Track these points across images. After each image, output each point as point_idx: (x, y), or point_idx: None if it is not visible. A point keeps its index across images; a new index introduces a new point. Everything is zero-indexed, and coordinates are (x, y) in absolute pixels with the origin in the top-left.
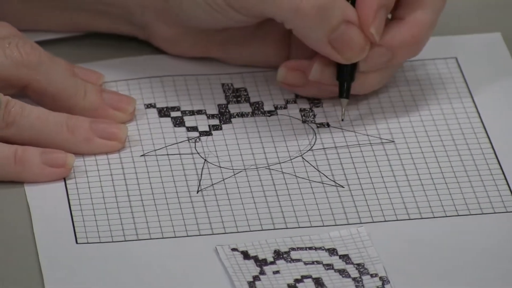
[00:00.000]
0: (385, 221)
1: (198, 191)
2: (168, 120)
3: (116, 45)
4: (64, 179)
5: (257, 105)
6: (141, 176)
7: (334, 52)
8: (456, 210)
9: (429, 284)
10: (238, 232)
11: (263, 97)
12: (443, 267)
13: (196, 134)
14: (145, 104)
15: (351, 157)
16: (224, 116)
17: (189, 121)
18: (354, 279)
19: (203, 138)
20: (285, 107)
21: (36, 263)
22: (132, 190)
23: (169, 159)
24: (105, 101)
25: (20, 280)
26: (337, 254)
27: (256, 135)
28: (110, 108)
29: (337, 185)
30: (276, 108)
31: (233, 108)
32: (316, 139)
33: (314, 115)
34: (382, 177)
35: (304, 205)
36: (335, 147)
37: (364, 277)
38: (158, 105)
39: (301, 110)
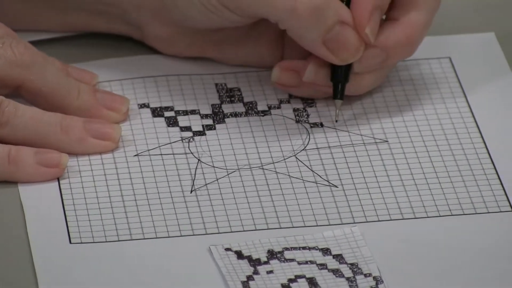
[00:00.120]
0: (379, 220)
1: (191, 191)
2: (161, 120)
3: (110, 45)
4: (58, 179)
5: (250, 105)
6: (134, 176)
7: (329, 53)
8: (450, 210)
9: (422, 284)
10: (231, 232)
11: (257, 97)
12: (437, 266)
13: (189, 134)
14: (138, 104)
15: (345, 157)
16: (217, 116)
17: (183, 121)
18: (347, 278)
19: (196, 138)
20: (279, 107)
21: (30, 263)
22: (125, 190)
23: (162, 159)
24: (98, 101)
25: (14, 280)
26: (330, 254)
27: (250, 135)
28: (104, 108)
29: (331, 185)
30: (269, 108)
31: (227, 108)
32: (309, 139)
33: (308, 115)
34: (376, 177)
35: (298, 205)
36: (329, 147)
37: (357, 277)
38: (151, 105)
39: (294, 110)
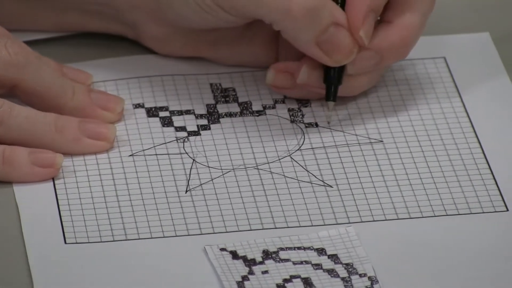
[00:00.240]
0: (374, 220)
1: (186, 191)
2: (156, 120)
3: (105, 45)
4: (53, 179)
5: (245, 105)
6: (129, 176)
7: (323, 54)
8: (445, 210)
9: (418, 284)
10: (226, 232)
11: (252, 97)
12: (432, 266)
13: (184, 134)
14: (133, 104)
15: (340, 157)
16: (212, 116)
17: (178, 121)
18: (343, 279)
19: (191, 138)
20: (274, 107)
21: (25, 263)
22: (120, 190)
23: (157, 159)
24: (93, 101)
25: (9, 280)
26: (325, 254)
27: (245, 135)
28: (99, 108)
29: (326, 185)
30: (264, 108)
31: (222, 108)
32: (304, 139)
33: (303, 115)
34: (371, 177)
35: (293, 205)
36: (324, 147)
37: (353, 277)
38: (146, 105)
39: (289, 110)
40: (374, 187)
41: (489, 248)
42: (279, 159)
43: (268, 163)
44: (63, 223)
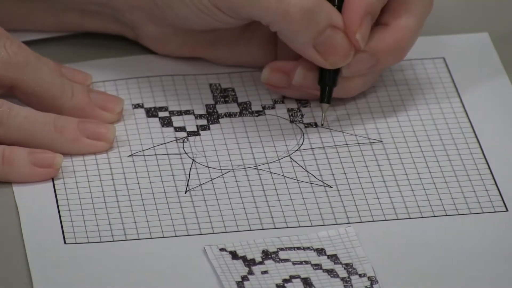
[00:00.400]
0: (373, 221)
1: (186, 191)
2: (156, 120)
3: (104, 45)
4: (52, 179)
5: (245, 105)
6: (129, 176)
7: (319, 56)
8: (445, 210)
9: (417, 284)
10: (226, 232)
11: (251, 97)
12: (432, 266)
13: (184, 134)
14: (132, 104)
15: (339, 157)
16: (212, 116)
17: (177, 121)
18: (342, 279)
19: (191, 138)
20: (273, 107)
21: (24, 263)
22: (120, 190)
23: (157, 159)
24: (92, 101)
25: (9, 281)
26: (325, 254)
27: (244, 135)
28: (98, 108)
29: (325, 185)
30: (264, 108)
31: (221, 108)
32: (304, 139)
33: (302, 115)
34: (370, 177)
35: (292, 205)
36: (323, 147)
37: (352, 277)
38: (145, 105)
39: (289, 110)
40: (374, 187)
41: (488, 248)
42: (279, 159)
43: (268, 163)
44: (63, 223)
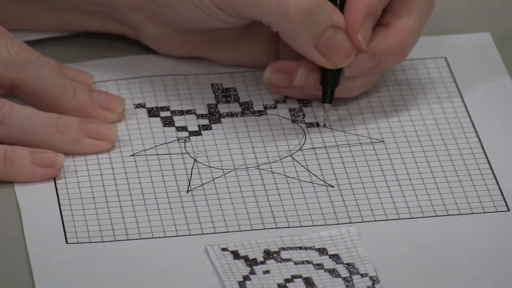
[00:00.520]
0: (375, 220)
1: (188, 191)
2: (157, 120)
3: (106, 45)
4: (54, 179)
5: (246, 105)
6: (131, 176)
7: (320, 57)
8: (446, 210)
9: (419, 283)
10: (228, 232)
11: (253, 97)
12: (434, 266)
13: (185, 134)
14: (134, 104)
15: (341, 157)
16: (213, 116)
17: (179, 121)
18: (344, 278)
19: (192, 138)
20: (275, 107)
21: (26, 263)
22: (122, 190)
23: (158, 159)
24: (94, 101)
25: (10, 281)
26: (327, 253)
27: (246, 135)
28: (99, 108)
29: (327, 185)
30: (265, 108)
31: (223, 108)
32: (305, 138)
33: (304, 115)
34: (372, 176)
35: (294, 205)
36: (325, 147)
37: (354, 277)
38: (147, 105)
39: (290, 110)
40: (376, 187)
41: (490, 248)
42: (280, 159)
43: (270, 163)
44: (65, 223)
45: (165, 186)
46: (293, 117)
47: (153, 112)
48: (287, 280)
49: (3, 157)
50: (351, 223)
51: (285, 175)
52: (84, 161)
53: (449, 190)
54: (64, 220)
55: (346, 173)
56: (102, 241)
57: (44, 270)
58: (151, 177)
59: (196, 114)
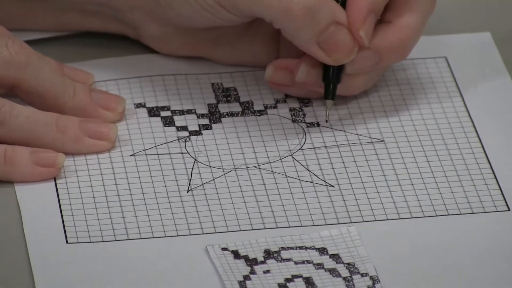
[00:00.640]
0: (375, 220)
1: (188, 191)
2: (158, 119)
3: (106, 44)
4: (54, 179)
5: (247, 105)
6: (131, 175)
7: (322, 53)
8: (447, 210)
9: (419, 283)
10: (228, 231)
11: (253, 97)
12: (434, 266)
13: (186, 133)
14: (134, 104)
15: (341, 157)
16: (214, 116)
17: (179, 120)
18: (344, 278)
19: (193, 137)
20: (275, 107)
21: (26, 263)
22: (122, 190)
23: (159, 159)
24: (94, 101)
25: (11, 280)
26: (327, 253)
27: (246, 134)
28: (100, 107)
29: (327, 184)
30: (266, 107)
31: (223, 108)
32: (306, 138)
33: (304, 115)
34: (372, 176)
35: (295, 204)
36: (325, 147)
37: (354, 277)
38: (148, 105)
39: (291, 110)
40: (376, 186)
41: (490, 248)
42: (281, 159)
43: (270, 162)
44: (65, 222)
45: (166, 186)
46: (293, 117)
47: (153, 112)
48: (287, 280)
49: (3, 156)
50: (351, 222)
51: (285, 174)
52: (84, 161)
53: (449, 190)
54: (64, 219)
55: (347, 172)
56: (103, 241)
57: (44, 269)
58: (151, 176)
59: (196, 114)
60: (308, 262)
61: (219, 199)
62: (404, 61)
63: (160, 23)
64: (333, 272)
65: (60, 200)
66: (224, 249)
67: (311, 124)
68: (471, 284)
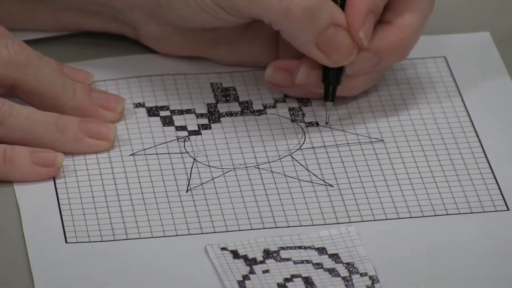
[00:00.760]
0: (375, 220)
1: (187, 191)
2: (157, 119)
3: (105, 44)
4: (54, 179)
5: (246, 104)
6: (130, 175)
7: (322, 55)
8: (446, 209)
9: (418, 283)
10: (227, 231)
11: (252, 96)
12: (433, 265)
13: (185, 133)
14: (134, 103)
15: (340, 156)
16: (213, 116)
17: (178, 120)
18: (343, 278)
19: (192, 137)
20: (274, 106)
21: (26, 262)
22: (121, 190)
23: (158, 159)
24: (94, 101)
25: (10, 280)
26: (326, 253)
27: (245, 134)
28: (99, 107)
29: (327, 184)
30: (265, 107)
31: (222, 107)
32: (305, 138)
33: (303, 114)
34: (372, 176)
35: (294, 204)
36: (324, 146)
37: (353, 276)
38: (147, 104)
39: (290, 109)
40: (375, 186)
41: (489, 247)
42: (280, 159)
43: (269, 162)
44: (64, 222)
45: (165, 186)
46: (292, 117)
47: (152, 112)
48: (286, 280)
49: (3, 156)
50: (350, 222)
51: (284, 174)
52: (83, 161)
53: (448, 190)
54: (63, 219)
55: (346, 172)
56: (102, 241)
57: (43, 269)
58: (150, 176)
59: (195, 114)
60: (307, 262)
61: (218, 198)
62: (403, 61)
63: (159, 23)
64: (332, 272)
65: (59, 200)
66: (223, 249)
67: (310, 124)
68: (470, 284)
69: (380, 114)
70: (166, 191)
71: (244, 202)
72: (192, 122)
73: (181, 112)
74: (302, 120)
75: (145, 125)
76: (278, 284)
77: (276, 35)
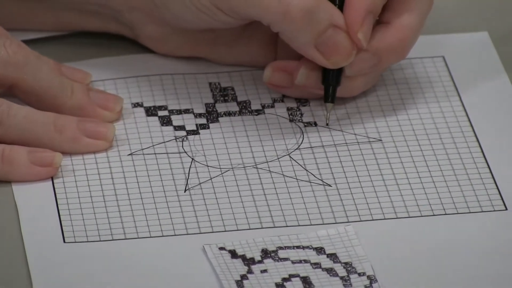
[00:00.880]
0: (373, 220)
1: (185, 190)
2: (155, 119)
3: (103, 44)
4: (52, 178)
5: (244, 104)
6: (128, 175)
7: (321, 56)
8: (444, 209)
9: (416, 283)
10: (225, 231)
11: (250, 96)
12: (431, 265)
13: (183, 133)
14: (132, 103)
15: (339, 156)
16: (211, 115)
17: (177, 120)
18: (342, 278)
19: (190, 137)
20: (273, 106)
21: (24, 262)
22: (119, 189)
23: (156, 158)
24: (92, 100)
25: (8, 280)
26: (324, 253)
27: (244, 134)
28: (97, 107)
29: (325, 184)
30: (263, 107)
31: (220, 107)
32: (303, 138)
33: (302, 114)
34: (370, 176)
35: (292, 204)
36: (323, 146)
37: (352, 276)
38: (145, 104)
39: (288, 109)
40: (373, 186)
41: (488, 247)
42: (278, 158)
43: (267, 162)
44: (62, 222)
45: (163, 185)
46: (290, 116)
47: (150, 111)
48: (284, 279)
49: (1, 156)
50: (348, 222)
51: (282, 174)
52: (81, 161)
53: (446, 189)
54: (61, 219)
55: (344, 172)
56: (100, 240)
57: (41, 269)
58: (148, 176)
59: (193, 113)
60: (306, 261)
61: (216, 198)
62: (402, 61)
63: (158, 24)
64: (330, 271)
65: (58, 200)
66: (221, 248)
67: (308, 124)
68: (468, 283)
69: (378, 114)
70: (164, 191)
71: (242, 201)
72: (190, 122)
73: (179, 112)
74: (300, 120)
75: (143, 125)
76: (276, 284)
77: (275, 36)
